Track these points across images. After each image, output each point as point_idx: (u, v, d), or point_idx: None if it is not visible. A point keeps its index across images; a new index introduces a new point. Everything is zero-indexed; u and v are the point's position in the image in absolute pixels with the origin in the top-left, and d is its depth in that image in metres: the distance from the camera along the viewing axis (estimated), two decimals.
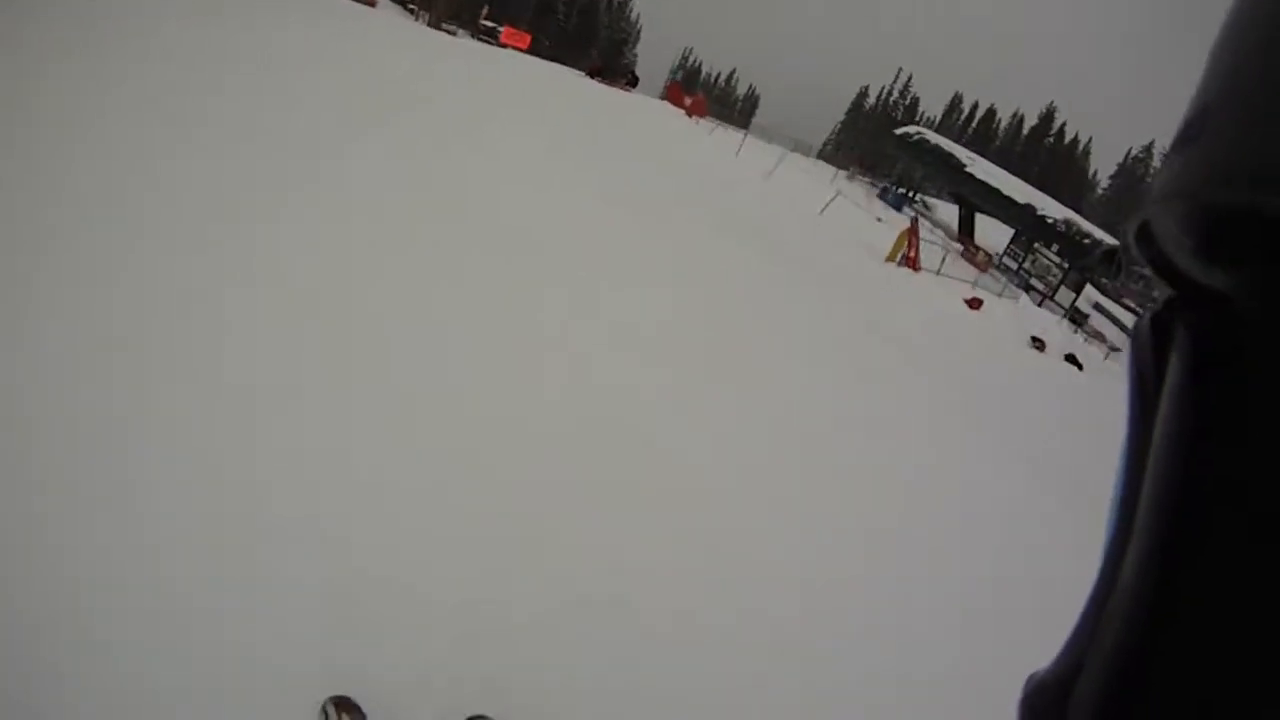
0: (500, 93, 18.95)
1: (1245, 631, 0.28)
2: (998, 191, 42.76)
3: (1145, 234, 0.34)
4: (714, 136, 34.35)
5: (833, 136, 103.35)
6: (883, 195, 45.82)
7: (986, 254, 40.28)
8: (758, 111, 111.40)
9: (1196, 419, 0.30)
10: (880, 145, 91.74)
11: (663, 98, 49.46)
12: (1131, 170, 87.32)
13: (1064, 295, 38.69)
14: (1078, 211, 49.30)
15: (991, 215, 44.38)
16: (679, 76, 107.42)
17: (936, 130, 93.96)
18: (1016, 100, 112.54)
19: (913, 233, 20.69)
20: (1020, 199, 42.48)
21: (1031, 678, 0.37)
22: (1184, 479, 0.30)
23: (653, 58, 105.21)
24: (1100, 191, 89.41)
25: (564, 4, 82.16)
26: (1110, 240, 41.99)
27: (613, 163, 14.86)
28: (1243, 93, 0.29)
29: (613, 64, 75.55)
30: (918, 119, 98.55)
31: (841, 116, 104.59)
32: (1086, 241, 40.47)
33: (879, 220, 33.87)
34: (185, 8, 11.32)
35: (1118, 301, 49.96)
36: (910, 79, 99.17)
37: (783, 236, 16.23)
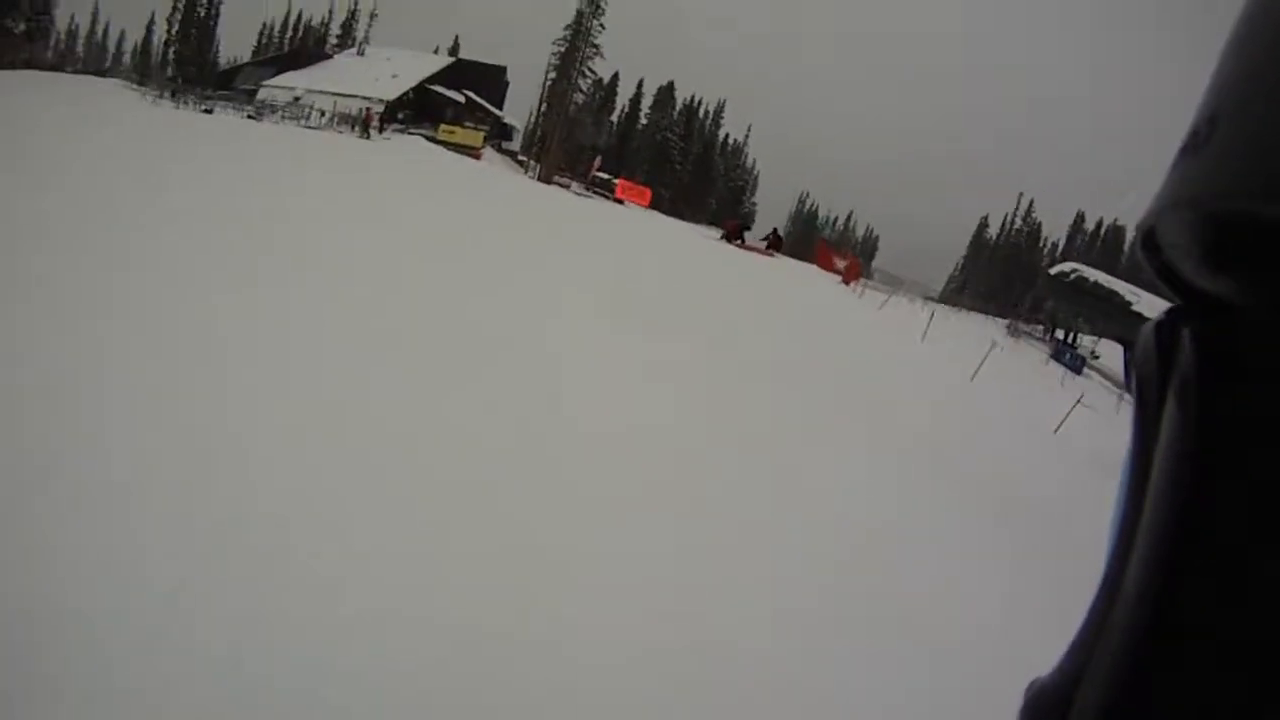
0: (641, 280, 16.53)
1: (1249, 640, 0.28)
2: None
3: (1150, 241, 0.35)
4: (884, 311, 30.60)
5: (957, 274, 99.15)
6: (1058, 357, 40.49)
7: None
8: (877, 254, 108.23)
9: (1200, 426, 0.30)
10: (1006, 280, 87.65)
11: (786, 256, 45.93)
12: None
13: None
14: None
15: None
16: (797, 224, 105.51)
17: (1064, 256, 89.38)
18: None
19: None
20: None
21: (1033, 684, 0.37)
22: (1188, 486, 0.30)
23: (769, 203, 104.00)
24: None
25: (679, 152, 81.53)
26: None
27: (796, 390, 12.24)
28: (1251, 100, 0.29)
29: (736, 214, 73.69)
30: (1041, 244, 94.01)
31: (963, 252, 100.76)
32: None
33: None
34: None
35: None
36: (1032, 203, 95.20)
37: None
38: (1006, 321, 47.46)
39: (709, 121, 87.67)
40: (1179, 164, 0.32)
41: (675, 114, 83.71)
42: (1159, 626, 0.30)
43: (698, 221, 65.10)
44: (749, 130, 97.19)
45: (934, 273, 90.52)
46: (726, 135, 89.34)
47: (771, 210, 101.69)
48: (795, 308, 21.68)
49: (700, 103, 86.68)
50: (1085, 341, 44.41)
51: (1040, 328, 47.75)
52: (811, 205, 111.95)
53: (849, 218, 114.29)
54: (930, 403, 15.62)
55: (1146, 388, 0.34)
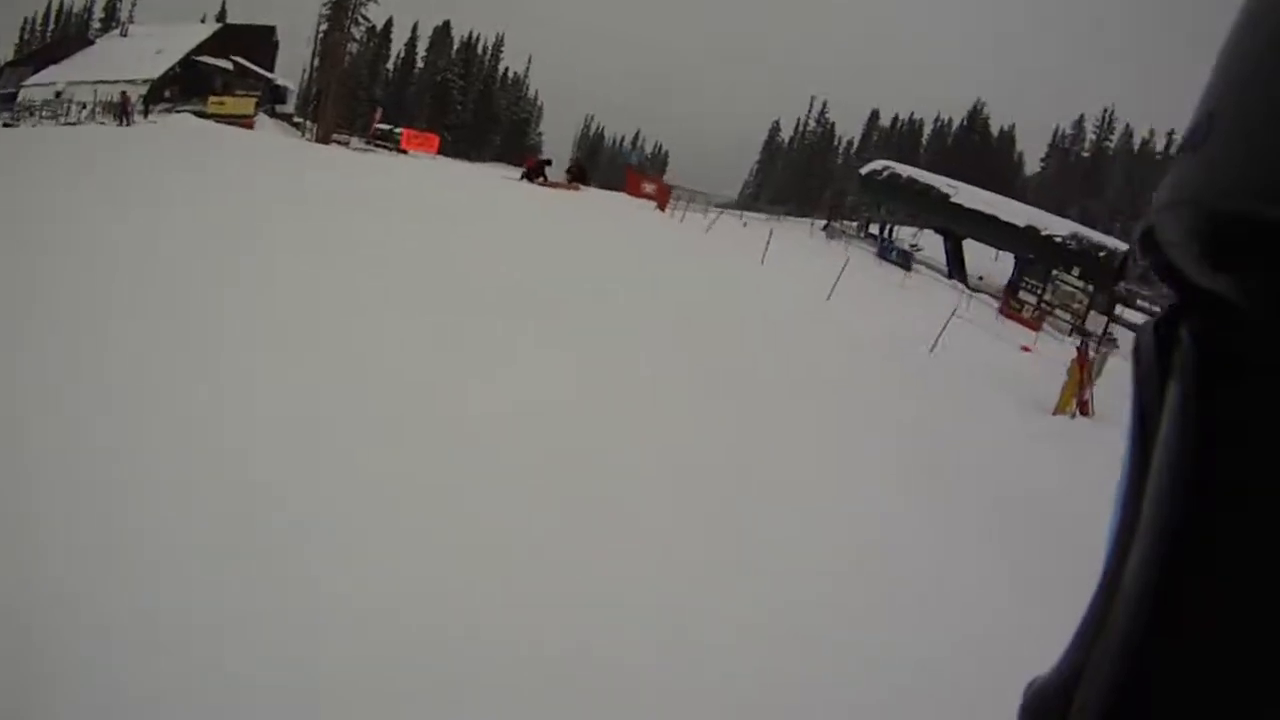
0: (450, 243, 13.33)
1: (1249, 640, 0.28)
2: (994, 219, 38.19)
3: (1150, 240, 0.35)
4: (713, 233, 28.18)
5: (751, 180, 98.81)
6: (884, 255, 39.46)
7: (1035, 304, 34.89)
8: (667, 170, 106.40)
9: (1200, 425, 0.30)
10: (804, 183, 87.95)
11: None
12: (1063, 149, 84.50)
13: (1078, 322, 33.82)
14: (1012, 194, 45.43)
15: (988, 244, 39.78)
16: (584, 149, 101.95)
17: (859, 154, 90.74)
18: (935, 103, 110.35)
19: (1083, 364, 15.05)
20: (1020, 221, 37.95)
21: (1031, 683, 0.37)
22: (1187, 485, 0.30)
23: (556, 133, 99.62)
24: (1030, 174, 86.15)
25: (459, 92, 76.40)
26: (1115, 244, 37.82)
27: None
28: (1249, 99, 0.29)
29: (524, 149, 70.04)
30: (836, 144, 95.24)
31: (756, 157, 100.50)
32: (1102, 254, 36.02)
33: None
34: None
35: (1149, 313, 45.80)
36: (825, 105, 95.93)
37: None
38: (823, 224, 46.26)
39: (488, 57, 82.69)
40: (1179, 162, 0.32)
41: (453, 53, 78.54)
42: (1159, 625, 0.30)
43: (484, 160, 61.36)
44: (529, 61, 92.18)
45: (728, 182, 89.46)
46: (506, 69, 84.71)
47: (560, 140, 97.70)
48: (627, 244, 18.83)
49: (478, 39, 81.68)
50: (903, 235, 44.08)
51: (854, 225, 47.01)
52: (598, 128, 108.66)
53: (636, 136, 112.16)
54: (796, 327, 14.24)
55: (1146, 384, 0.34)
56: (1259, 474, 0.28)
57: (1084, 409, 14.75)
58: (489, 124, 78.18)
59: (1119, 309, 36.08)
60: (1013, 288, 37.11)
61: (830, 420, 10.01)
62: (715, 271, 17.98)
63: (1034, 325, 31.19)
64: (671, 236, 23.70)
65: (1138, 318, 39.26)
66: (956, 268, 39.96)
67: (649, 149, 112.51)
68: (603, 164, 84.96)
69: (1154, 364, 0.34)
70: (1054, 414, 14.65)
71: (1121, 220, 67.80)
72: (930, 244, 41.57)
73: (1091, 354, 15.91)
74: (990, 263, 41.21)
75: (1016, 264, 38.41)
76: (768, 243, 24.09)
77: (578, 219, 21.73)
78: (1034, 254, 36.49)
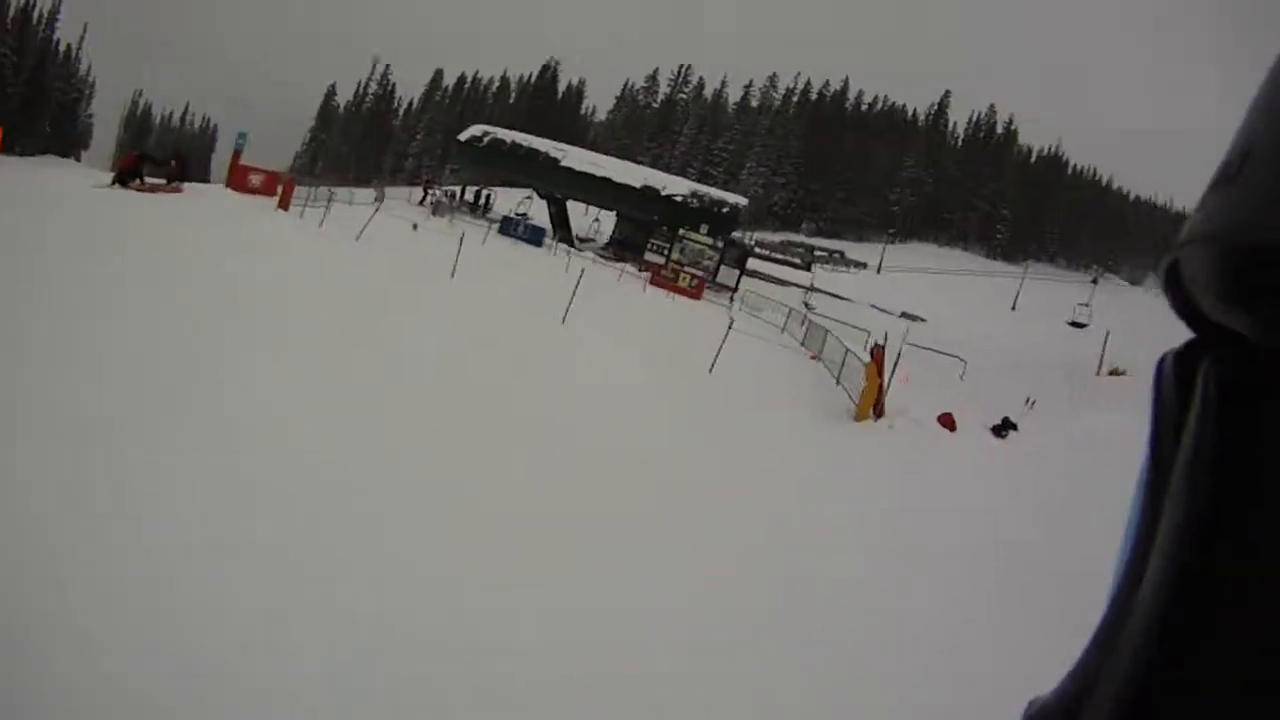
0: None
1: (1259, 668, 0.28)
2: (608, 181, 36.87)
3: (1174, 274, 0.35)
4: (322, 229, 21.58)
5: (303, 150, 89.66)
6: (509, 229, 34.99)
7: (691, 269, 33.55)
8: (217, 145, 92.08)
9: (1219, 456, 0.31)
10: (362, 149, 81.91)
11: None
12: (632, 100, 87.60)
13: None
14: (581, 144, 45.91)
15: (602, 206, 38.46)
16: (130, 130, 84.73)
17: (421, 113, 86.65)
18: (503, 63, 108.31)
19: (879, 366, 13.43)
20: (637, 183, 37.12)
21: (1033, 703, 0.37)
22: (1205, 516, 0.30)
23: (107, 112, 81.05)
24: (599, 120, 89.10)
25: (12, 70, 59.17)
26: (735, 199, 38.78)
27: None
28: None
29: (62, 134, 55.58)
30: (396, 106, 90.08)
31: (311, 123, 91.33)
32: (725, 210, 36.59)
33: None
34: None
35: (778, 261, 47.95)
36: (389, 67, 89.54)
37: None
38: (431, 200, 40.92)
39: (43, 27, 65.06)
40: (1207, 198, 0.33)
41: (9, 23, 60.51)
42: (1170, 651, 0.30)
43: (30, 154, 47.46)
44: (85, 30, 72.19)
45: (286, 155, 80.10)
46: (57, 41, 67.06)
47: (109, 121, 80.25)
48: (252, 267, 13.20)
49: (34, 5, 63.45)
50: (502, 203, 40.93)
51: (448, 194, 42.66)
52: (145, 104, 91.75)
53: (185, 110, 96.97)
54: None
55: (1165, 416, 0.34)
56: (1275, 508, 0.29)
57: (879, 411, 13.56)
58: (41, 107, 61.87)
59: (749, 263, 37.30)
60: (619, 246, 36.34)
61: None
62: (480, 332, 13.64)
63: (695, 294, 30.30)
64: (320, 253, 17.27)
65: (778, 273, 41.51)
66: (563, 230, 38.28)
67: (197, 124, 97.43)
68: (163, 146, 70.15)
69: (1174, 395, 0.34)
70: (859, 420, 13.45)
71: (696, 166, 72.01)
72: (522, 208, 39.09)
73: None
74: (581, 218, 40.36)
75: (619, 222, 37.80)
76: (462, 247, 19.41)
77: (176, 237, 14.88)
78: (657, 215, 35.84)
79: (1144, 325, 40.94)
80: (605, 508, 7.57)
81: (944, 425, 14.41)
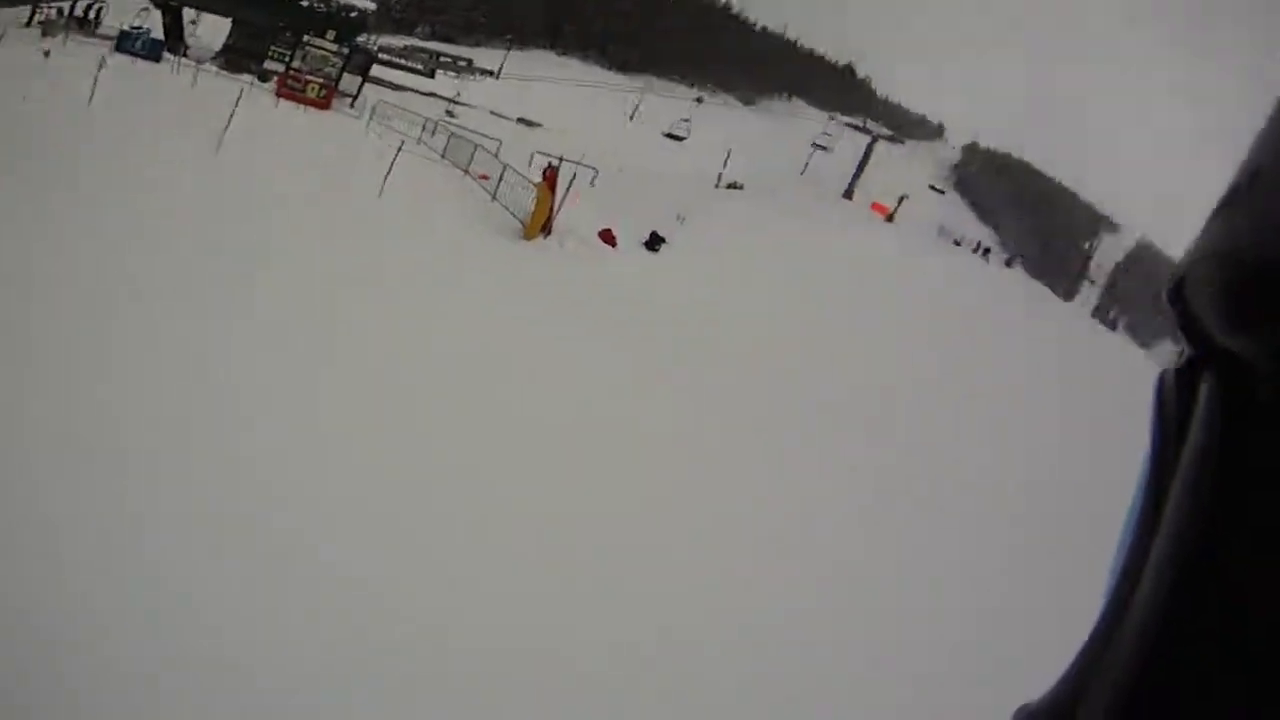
0: None
1: (1252, 677, 0.28)
2: None
3: (1179, 292, 0.35)
4: None
5: None
6: (126, 45, 29.46)
7: (314, 78, 31.13)
8: None
9: (1219, 472, 0.31)
10: None
11: None
12: None
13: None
14: None
15: (225, 14, 34.67)
16: None
17: None
18: None
19: (551, 185, 14.41)
20: None
21: (1021, 710, 0.37)
22: (1201, 528, 0.30)
23: None
24: None
25: None
26: (364, 3, 36.63)
27: None
28: None
29: None
30: None
31: None
32: (353, 15, 34.64)
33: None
34: None
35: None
36: None
37: None
38: (40, 20, 33.39)
39: None
40: (1215, 219, 0.33)
41: None
42: (1167, 655, 0.30)
43: None
44: None
45: None
46: None
47: None
48: None
49: None
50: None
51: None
52: None
53: None
54: None
55: (1165, 430, 0.34)
56: (1271, 521, 0.29)
57: (548, 229, 14.86)
58: None
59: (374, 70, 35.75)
60: (236, 55, 33.39)
61: None
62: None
63: (324, 104, 29.02)
64: None
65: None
66: (175, 40, 34.05)
67: None
68: None
69: (1174, 410, 0.34)
70: (528, 239, 14.56)
71: None
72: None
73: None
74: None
75: (234, 29, 34.67)
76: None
77: None
78: (285, 21, 33.29)
79: (749, 141, 45.83)
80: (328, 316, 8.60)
81: (605, 241, 16.20)
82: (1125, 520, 0.35)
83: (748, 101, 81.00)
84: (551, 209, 15.62)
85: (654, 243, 17.51)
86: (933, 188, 62.85)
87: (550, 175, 16.03)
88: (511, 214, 16.25)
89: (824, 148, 51.68)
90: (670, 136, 44.31)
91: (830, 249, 25.08)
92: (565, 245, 15.24)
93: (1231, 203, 0.32)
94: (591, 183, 24.49)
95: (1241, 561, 0.29)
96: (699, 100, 53.90)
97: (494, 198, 17.33)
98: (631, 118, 55.95)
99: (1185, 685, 0.29)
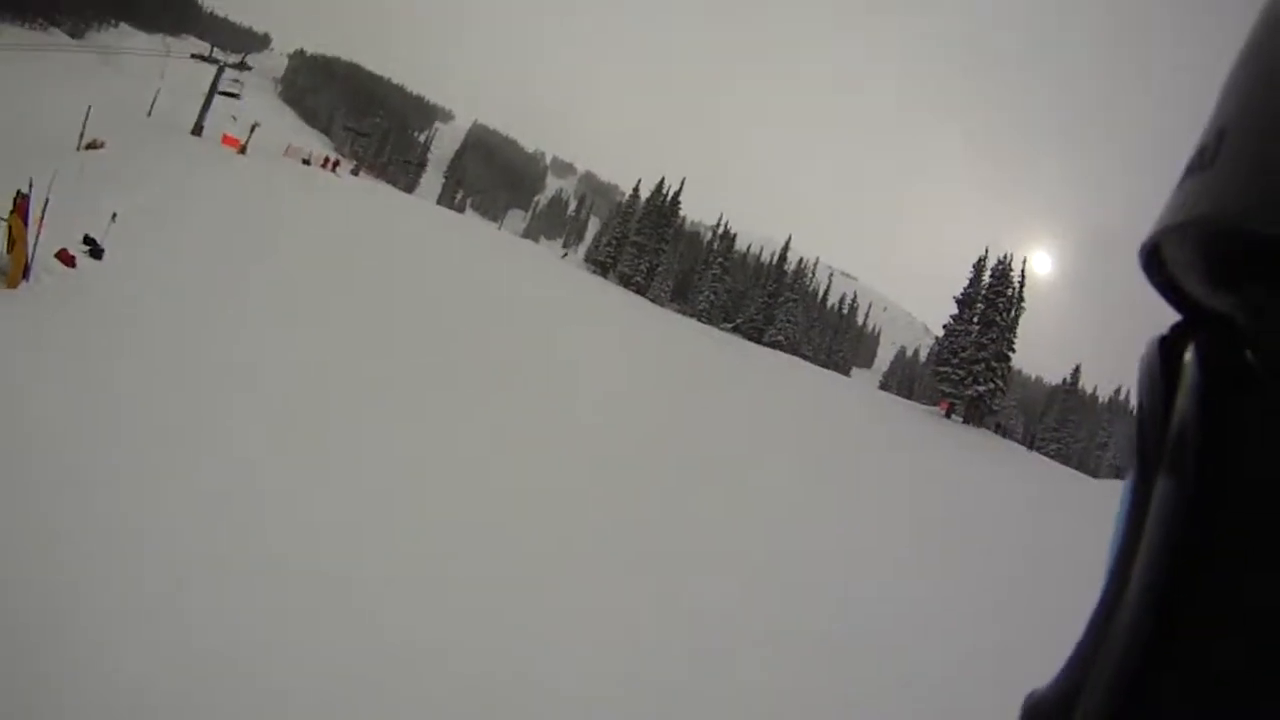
0: None
1: (1250, 652, 0.28)
2: None
3: (1155, 258, 0.36)
4: None
5: None
6: None
7: None
8: None
9: (1206, 439, 0.31)
10: None
11: None
12: None
13: None
14: None
15: None
16: None
17: None
18: None
19: (23, 215, 13.51)
20: None
21: (1030, 695, 0.37)
22: (1193, 497, 0.30)
23: None
24: None
25: None
26: None
27: None
28: (1258, 121, 0.30)
29: None
30: None
31: None
32: None
33: None
34: None
35: None
36: None
37: None
38: None
39: None
40: (1185, 182, 0.33)
41: None
42: (1160, 637, 0.30)
43: None
44: None
45: None
46: None
47: None
48: None
49: None
50: None
51: None
52: None
53: None
54: None
55: (1151, 400, 0.34)
56: (1264, 486, 0.28)
57: (26, 272, 13.96)
58: None
59: None
60: None
61: None
62: None
63: None
64: None
65: None
66: None
67: None
68: None
69: (1160, 380, 0.34)
70: (12, 287, 13.52)
71: None
72: None
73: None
74: None
75: None
76: None
77: None
78: None
79: (90, 89, 40.37)
80: None
81: (64, 262, 15.58)
82: (1122, 496, 0.35)
83: (76, 34, 70.76)
84: (25, 245, 14.11)
85: (96, 251, 16.94)
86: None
87: (22, 205, 14.06)
88: None
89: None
90: None
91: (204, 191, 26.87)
92: (43, 281, 14.48)
93: (1201, 165, 0.32)
94: None
95: (1236, 531, 0.29)
96: None
97: None
98: None
99: (1183, 665, 0.29)
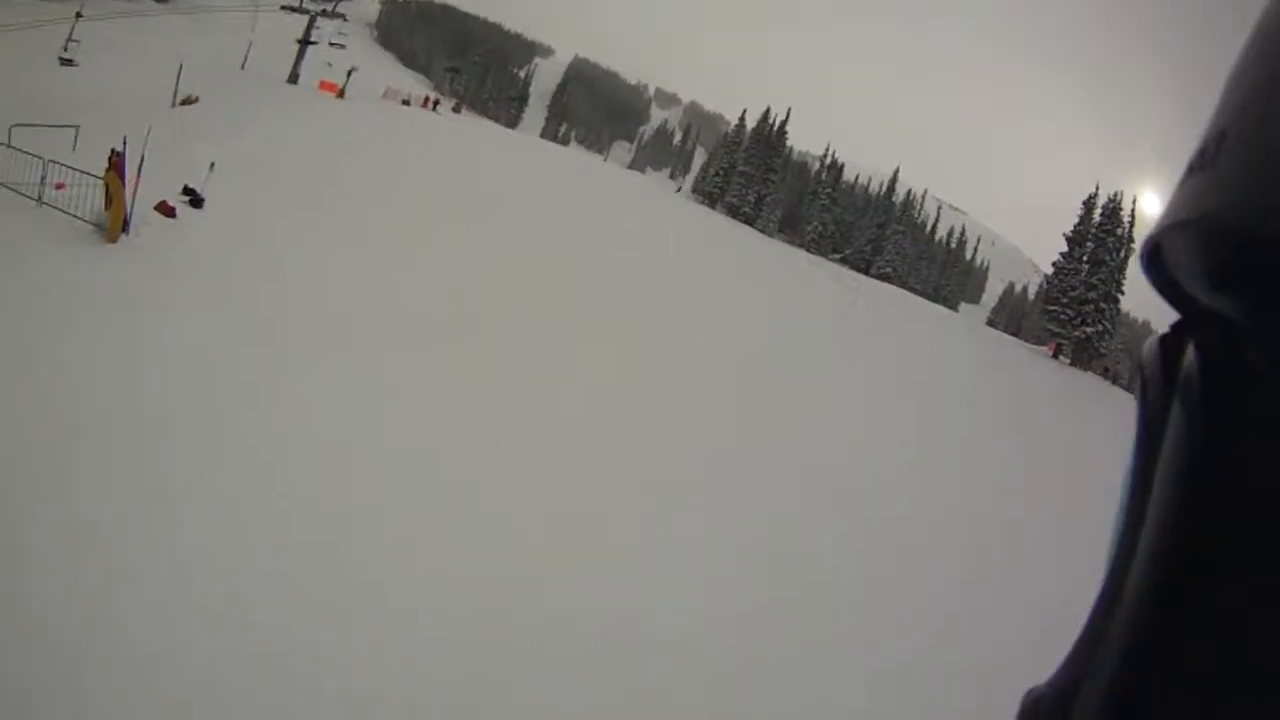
0: None
1: (1251, 649, 0.28)
2: None
3: (1156, 257, 0.36)
4: None
5: None
6: None
7: None
8: None
9: (1205, 438, 0.30)
10: None
11: None
12: None
13: None
14: None
15: None
16: None
17: None
18: None
19: (120, 173, 13.68)
20: None
21: (1030, 693, 0.38)
22: (1191, 495, 0.30)
23: None
24: None
25: None
26: None
27: None
28: (1259, 120, 0.30)
29: None
30: None
31: None
32: None
33: None
34: None
35: None
36: None
37: None
38: None
39: None
40: (1186, 181, 0.33)
41: None
42: (1160, 635, 0.30)
43: None
44: None
45: None
46: None
47: None
48: None
49: None
50: None
51: None
52: None
53: None
54: None
55: (1151, 399, 0.34)
56: (1263, 485, 0.28)
57: (127, 225, 14.25)
58: None
59: None
60: None
61: None
62: None
63: None
64: None
65: None
66: None
67: None
68: None
69: (1160, 378, 0.34)
70: (112, 241, 13.89)
71: None
72: None
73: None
74: None
75: None
76: None
77: None
78: None
79: (176, 50, 41.54)
80: None
81: (164, 213, 15.87)
82: (1120, 494, 0.35)
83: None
84: (122, 200, 14.46)
85: (195, 201, 17.21)
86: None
87: (117, 163, 14.37)
88: (74, 216, 14.00)
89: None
90: (65, 62, 37.97)
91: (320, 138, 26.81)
92: (143, 235, 14.68)
93: (1202, 165, 0.32)
94: (74, 148, 18.55)
95: (1235, 529, 0.29)
96: (79, 15, 45.90)
97: (40, 201, 14.52)
98: None
99: (1182, 661, 0.29)
